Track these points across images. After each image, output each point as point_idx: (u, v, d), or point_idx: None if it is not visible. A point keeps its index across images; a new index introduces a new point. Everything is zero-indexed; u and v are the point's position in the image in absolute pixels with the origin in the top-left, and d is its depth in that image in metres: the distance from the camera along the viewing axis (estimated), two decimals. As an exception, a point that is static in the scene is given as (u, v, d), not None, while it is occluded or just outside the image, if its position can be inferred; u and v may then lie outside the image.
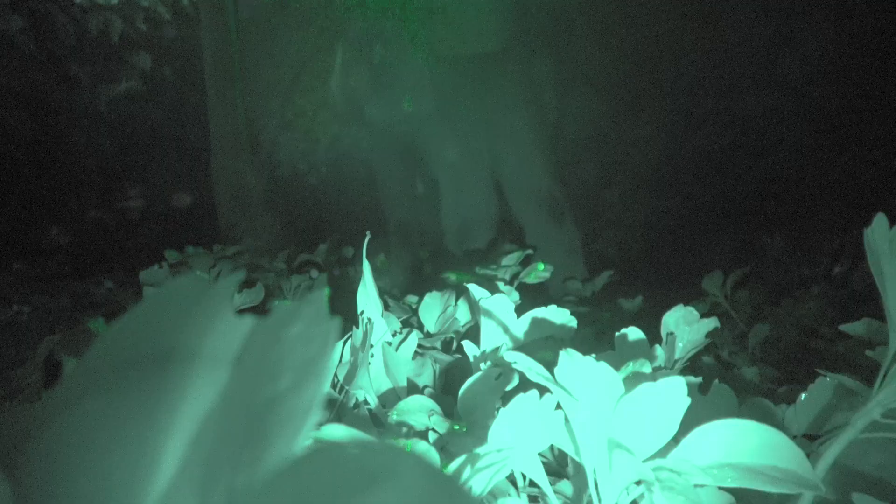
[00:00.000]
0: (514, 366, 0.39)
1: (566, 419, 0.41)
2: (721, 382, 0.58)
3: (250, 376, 0.18)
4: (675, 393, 0.38)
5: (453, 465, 0.37)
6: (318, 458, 0.16)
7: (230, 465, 0.17)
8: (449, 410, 0.58)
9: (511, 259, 1.12)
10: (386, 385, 0.69)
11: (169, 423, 0.17)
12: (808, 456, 0.39)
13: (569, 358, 0.40)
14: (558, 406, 0.40)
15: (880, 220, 0.42)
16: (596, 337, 1.04)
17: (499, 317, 0.63)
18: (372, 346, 0.68)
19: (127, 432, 0.17)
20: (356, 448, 0.16)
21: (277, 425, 0.17)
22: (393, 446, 0.17)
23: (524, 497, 0.49)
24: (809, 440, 0.55)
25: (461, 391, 0.55)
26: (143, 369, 0.18)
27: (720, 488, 0.41)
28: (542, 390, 0.42)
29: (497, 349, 0.63)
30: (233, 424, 0.18)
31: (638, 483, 0.39)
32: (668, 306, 0.71)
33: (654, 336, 0.66)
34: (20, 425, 0.21)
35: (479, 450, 0.38)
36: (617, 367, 0.45)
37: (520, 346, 0.64)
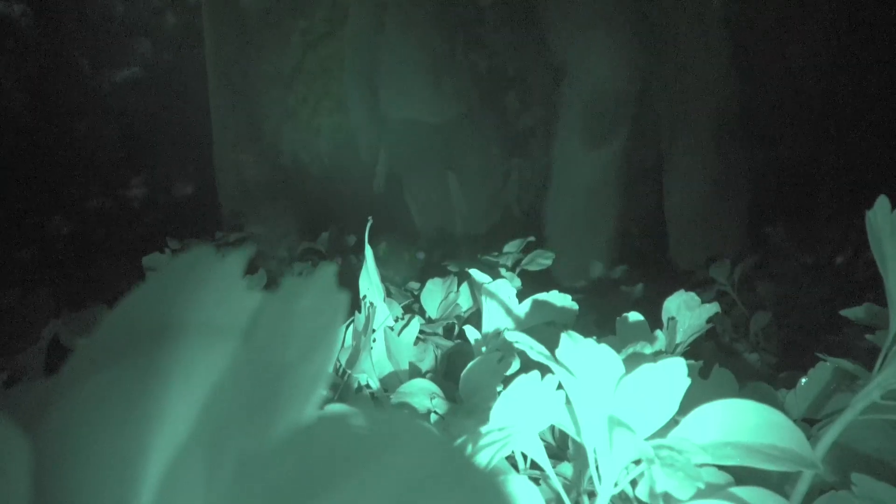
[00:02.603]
0: (515, 345, 0.40)
1: (567, 399, 0.41)
2: (721, 367, 0.59)
3: (259, 346, 0.19)
4: (675, 373, 0.38)
5: (455, 444, 0.38)
6: (325, 426, 0.16)
7: (239, 432, 0.17)
8: (451, 395, 0.59)
9: (513, 246, 1.13)
10: (388, 369, 0.70)
11: (179, 393, 0.18)
12: (807, 438, 0.39)
13: (570, 340, 0.40)
14: (559, 387, 0.41)
15: (882, 202, 0.42)
16: (597, 324, 1.04)
17: (500, 300, 0.64)
18: (374, 330, 0.69)
19: (138, 403, 0.18)
20: (363, 417, 0.16)
21: (286, 393, 0.17)
22: (399, 415, 0.17)
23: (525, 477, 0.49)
24: (809, 424, 0.56)
25: (463, 374, 0.55)
26: (153, 341, 0.19)
27: (720, 468, 0.41)
28: (544, 372, 0.42)
29: (499, 333, 0.63)
30: (242, 393, 0.18)
31: (637, 463, 0.39)
32: (671, 294, 0.71)
33: (656, 324, 0.67)
34: (30, 402, 0.21)
35: (482, 428, 0.38)
36: (618, 350, 0.45)
37: (521, 330, 0.64)
